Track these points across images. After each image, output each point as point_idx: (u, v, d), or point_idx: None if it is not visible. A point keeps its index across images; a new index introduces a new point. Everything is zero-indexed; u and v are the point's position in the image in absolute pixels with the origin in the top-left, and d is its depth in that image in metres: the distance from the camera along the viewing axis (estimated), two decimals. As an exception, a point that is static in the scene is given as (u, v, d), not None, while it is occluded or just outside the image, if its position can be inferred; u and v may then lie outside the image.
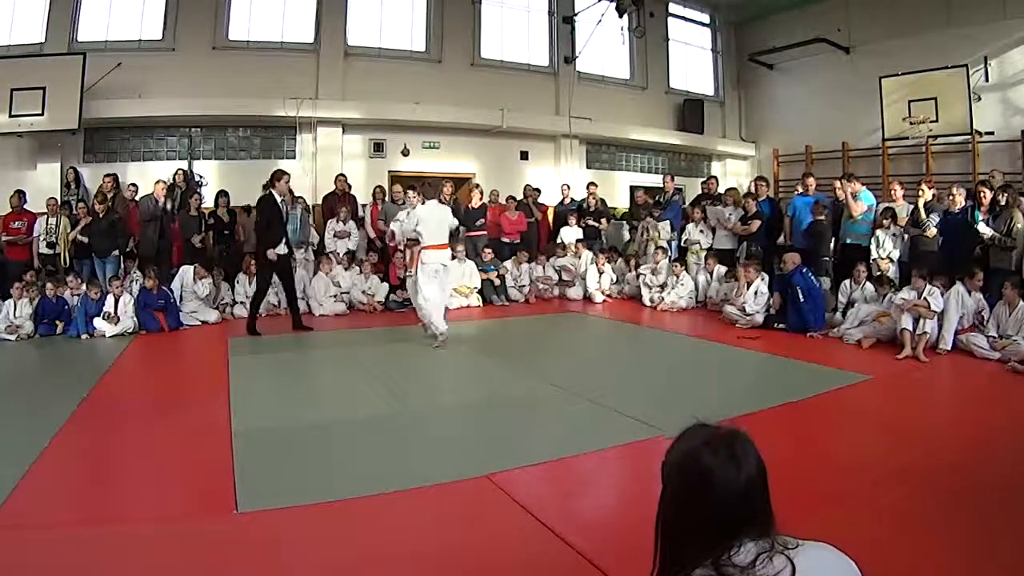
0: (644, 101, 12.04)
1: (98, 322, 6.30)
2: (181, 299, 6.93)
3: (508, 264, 8.79)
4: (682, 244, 8.86)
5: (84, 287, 6.53)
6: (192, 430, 3.54)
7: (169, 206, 7.77)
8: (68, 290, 6.57)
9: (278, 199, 6.39)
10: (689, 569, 1.03)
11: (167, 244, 7.76)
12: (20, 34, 8.25)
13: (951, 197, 6.57)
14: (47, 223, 7.28)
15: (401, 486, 2.69)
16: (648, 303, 8.13)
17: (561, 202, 9.91)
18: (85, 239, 7.15)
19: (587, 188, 9.87)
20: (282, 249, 6.41)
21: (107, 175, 7.94)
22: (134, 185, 8.10)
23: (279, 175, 6.46)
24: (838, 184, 7.58)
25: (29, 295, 6.41)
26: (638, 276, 8.53)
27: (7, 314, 6.21)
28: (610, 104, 11.52)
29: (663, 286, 8.12)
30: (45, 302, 6.40)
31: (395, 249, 8.21)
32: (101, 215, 7.14)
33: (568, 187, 9.94)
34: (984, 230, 6.16)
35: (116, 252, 7.24)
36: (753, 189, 8.62)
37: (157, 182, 7.86)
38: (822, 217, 7.29)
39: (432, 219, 5.76)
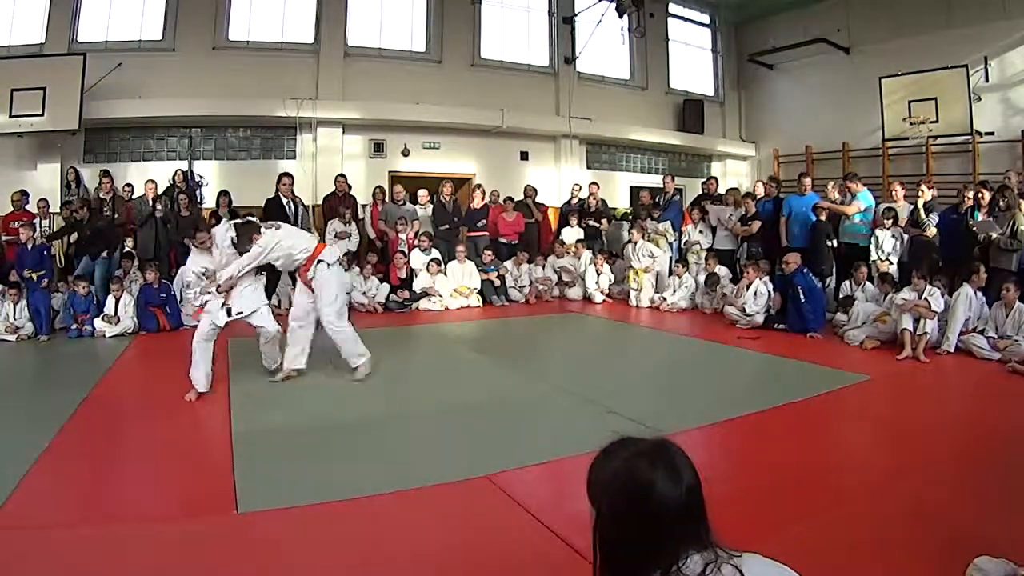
0: (644, 101, 12.04)
1: (98, 322, 6.31)
2: (180, 300, 6.91)
3: (508, 264, 8.79)
4: (682, 245, 8.86)
5: (75, 285, 6.48)
6: (192, 430, 3.54)
7: (159, 207, 7.57)
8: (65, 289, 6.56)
9: (283, 200, 6.97)
10: None
11: (164, 246, 7.72)
12: (20, 34, 8.25)
13: (962, 197, 6.46)
14: (40, 226, 7.24)
15: (401, 486, 2.69)
16: (646, 304, 8.12)
17: (568, 201, 9.90)
18: (74, 235, 7.10)
19: (588, 188, 9.87)
20: None
21: (103, 171, 7.78)
22: (129, 185, 8.03)
23: (278, 178, 7.15)
24: (830, 185, 7.59)
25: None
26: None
27: (7, 315, 6.21)
28: (610, 104, 11.51)
29: (659, 287, 8.14)
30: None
31: (395, 249, 8.23)
32: (85, 221, 6.96)
33: (579, 187, 9.92)
34: (988, 229, 6.11)
35: (106, 253, 7.10)
36: (761, 190, 8.55)
37: (147, 182, 7.79)
38: (823, 217, 7.29)
39: (294, 234, 4.86)
